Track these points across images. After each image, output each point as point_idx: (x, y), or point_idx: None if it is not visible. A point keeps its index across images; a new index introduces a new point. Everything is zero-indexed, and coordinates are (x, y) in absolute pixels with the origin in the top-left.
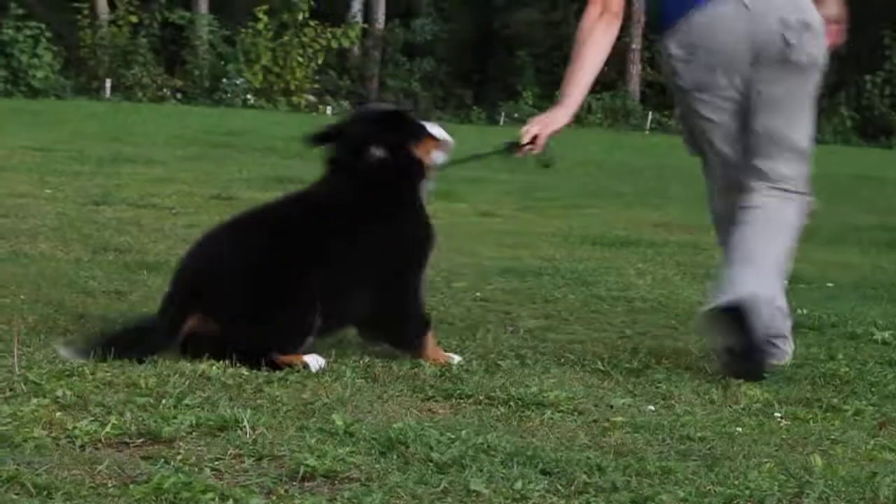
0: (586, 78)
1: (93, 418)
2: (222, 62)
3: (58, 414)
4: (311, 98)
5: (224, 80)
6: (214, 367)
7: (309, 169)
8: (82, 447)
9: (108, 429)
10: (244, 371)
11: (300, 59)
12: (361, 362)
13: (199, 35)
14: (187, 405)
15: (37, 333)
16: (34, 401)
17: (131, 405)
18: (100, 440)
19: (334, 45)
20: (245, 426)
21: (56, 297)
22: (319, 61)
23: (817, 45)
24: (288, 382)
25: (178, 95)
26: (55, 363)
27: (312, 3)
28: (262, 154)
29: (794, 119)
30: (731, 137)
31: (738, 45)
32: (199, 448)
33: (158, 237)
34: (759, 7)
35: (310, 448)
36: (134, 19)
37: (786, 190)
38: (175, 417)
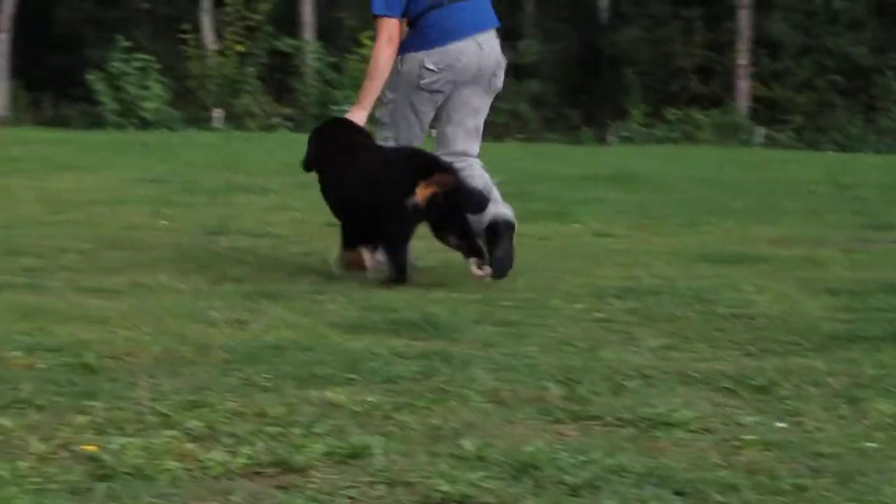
0: (377, 93)
1: (224, 448)
2: (330, 89)
3: (189, 445)
4: None
5: (333, 106)
6: (342, 395)
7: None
8: (216, 478)
9: (240, 459)
10: (371, 398)
11: None
12: (487, 387)
13: (307, 62)
14: (317, 433)
15: (162, 365)
16: (165, 432)
17: (262, 434)
18: (232, 470)
19: None
20: (376, 453)
21: (178, 328)
22: None
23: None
24: (415, 408)
25: (288, 123)
26: (182, 394)
27: None
28: None
29: None
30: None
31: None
32: (331, 476)
33: (276, 266)
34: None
35: (442, 474)
36: (241, 48)
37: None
38: (306, 446)
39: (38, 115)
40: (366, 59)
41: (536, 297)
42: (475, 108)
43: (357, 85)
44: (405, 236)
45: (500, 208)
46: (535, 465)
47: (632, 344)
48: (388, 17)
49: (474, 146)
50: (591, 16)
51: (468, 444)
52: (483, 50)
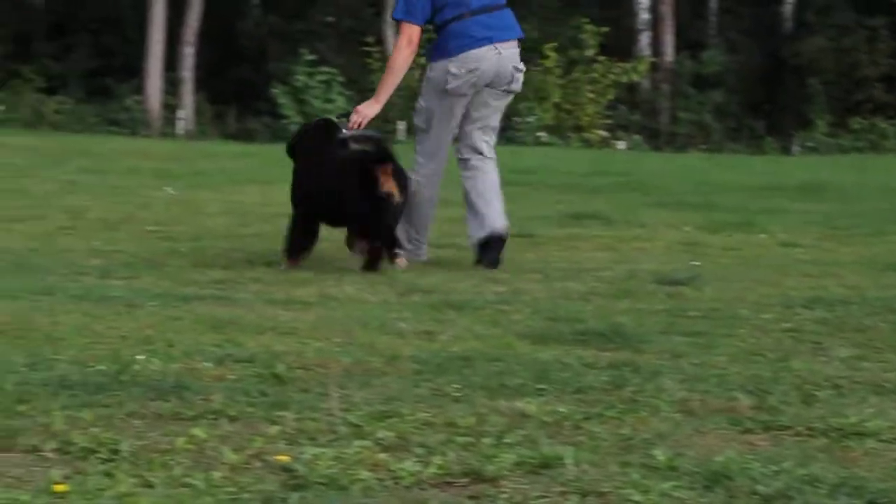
0: (392, 89)
1: (416, 459)
2: (513, 100)
3: (381, 455)
4: (604, 133)
5: (515, 118)
6: (532, 405)
7: (607, 204)
8: (407, 488)
9: (431, 469)
10: (561, 408)
11: (590, 95)
12: (677, 397)
13: None
14: (508, 443)
15: (352, 376)
16: (357, 443)
17: (452, 444)
18: (424, 480)
19: (624, 79)
20: (567, 463)
21: (367, 339)
22: (610, 96)
23: None
24: (606, 418)
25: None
26: (373, 405)
27: (601, 38)
28: (559, 191)
29: None
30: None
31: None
32: (523, 486)
33: (463, 277)
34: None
35: (633, 484)
36: (423, 61)
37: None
38: (497, 456)
39: (223, 128)
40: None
41: (724, 307)
42: (493, 108)
43: (543, 97)
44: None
45: (495, 222)
46: (727, 474)
47: (822, 354)
48: (411, 22)
49: (490, 143)
50: (775, 26)
51: (659, 454)
52: (502, 56)
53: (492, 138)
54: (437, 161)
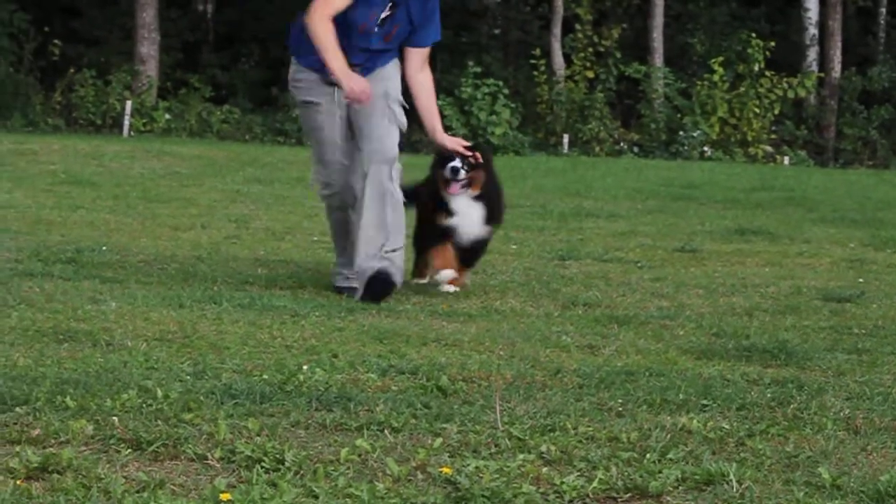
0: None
1: (578, 473)
2: (678, 115)
3: (544, 469)
4: (769, 149)
5: (681, 132)
6: (695, 421)
7: (771, 219)
8: (570, 502)
9: (594, 484)
10: (725, 424)
11: (756, 110)
12: (842, 414)
13: (655, 88)
14: (671, 459)
15: (515, 389)
16: (520, 456)
17: (616, 459)
18: (587, 495)
19: (790, 94)
20: (731, 480)
21: (530, 352)
22: (776, 111)
23: None
24: (769, 435)
25: (635, 149)
26: (536, 418)
27: (768, 53)
28: (723, 206)
29: None
30: None
31: None
32: (686, 502)
33: (626, 291)
34: None
35: (798, 502)
36: (590, 74)
37: None
38: (660, 472)
39: None
40: (713, 84)
41: (889, 324)
42: None
43: (709, 112)
44: None
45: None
46: (893, 494)
47: None
48: None
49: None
50: None
51: (824, 473)
52: None
53: None
54: None
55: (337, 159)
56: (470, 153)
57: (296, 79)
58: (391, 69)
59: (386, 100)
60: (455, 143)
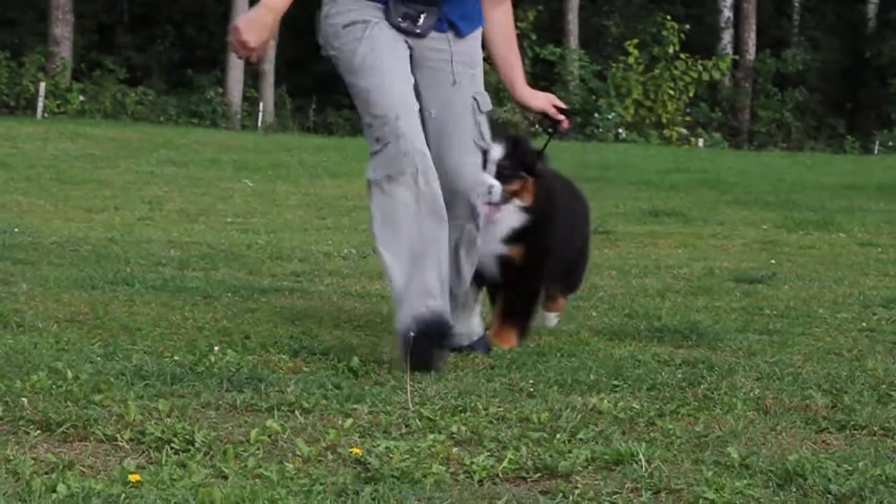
0: None
1: (489, 453)
2: (593, 97)
3: (454, 449)
4: (683, 131)
5: (596, 114)
6: (606, 402)
7: (685, 201)
8: (480, 482)
9: (504, 464)
10: (635, 404)
11: (671, 92)
12: (752, 395)
13: (571, 70)
14: (581, 439)
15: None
16: (430, 436)
17: (526, 440)
18: (497, 475)
19: (705, 77)
20: (640, 460)
21: None
22: (690, 94)
23: None
24: (679, 415)
25: (550, 130)
26: (447, 399)
27: (682, 35)
28: (637, 188)
29: None
30: None
31: None
32: (595, 482)
33: None
34: None
35: (707, 481)
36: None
37: None
38: (570, 452)
39: (303, 121)
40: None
41: (800, 305)
42: None
43: (623, 94)
44: None
45: None
46: (801, 473)
47: None
48: None
49: None
50: (858, 25)
51: (733, 452)
52: None
53: None
54: None
55: (405, 89)
56: (563, 116)
57: (330, 12)
58: (475, 43)
59: (474, 115)
60: (545, 101)
